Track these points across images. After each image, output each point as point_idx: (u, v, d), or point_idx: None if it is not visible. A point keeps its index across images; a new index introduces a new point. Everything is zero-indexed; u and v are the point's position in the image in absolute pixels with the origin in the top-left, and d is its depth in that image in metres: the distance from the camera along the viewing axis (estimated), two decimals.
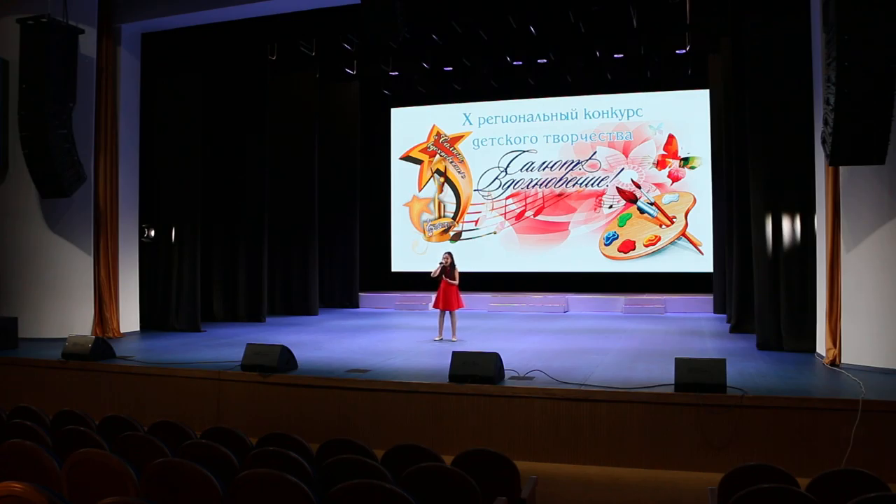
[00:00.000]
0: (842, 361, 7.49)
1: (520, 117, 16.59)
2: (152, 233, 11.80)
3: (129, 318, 11.23)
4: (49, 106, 9.33)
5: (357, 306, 16.35)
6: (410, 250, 17.32)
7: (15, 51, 9.59)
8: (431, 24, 12.18)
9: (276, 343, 7.61)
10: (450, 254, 10.40)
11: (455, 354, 6.84)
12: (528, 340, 10.17)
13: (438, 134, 17.21)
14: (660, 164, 15.58)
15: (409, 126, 17.49)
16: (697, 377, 6.09)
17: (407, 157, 17.49)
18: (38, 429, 4.22)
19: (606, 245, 15.85)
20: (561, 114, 16.29)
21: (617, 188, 15.81)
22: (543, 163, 16.34)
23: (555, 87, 15.70)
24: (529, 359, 8.13)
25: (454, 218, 16.99)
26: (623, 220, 15.75)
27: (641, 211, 15.65)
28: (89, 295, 10.55)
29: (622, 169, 15.79)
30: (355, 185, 16.38)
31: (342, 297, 16.35)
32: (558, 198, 16.19)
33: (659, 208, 15.53)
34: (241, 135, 13.36)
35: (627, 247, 15.70)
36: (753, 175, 9.39)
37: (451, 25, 12.17)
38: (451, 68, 14.78)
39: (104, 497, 2.61)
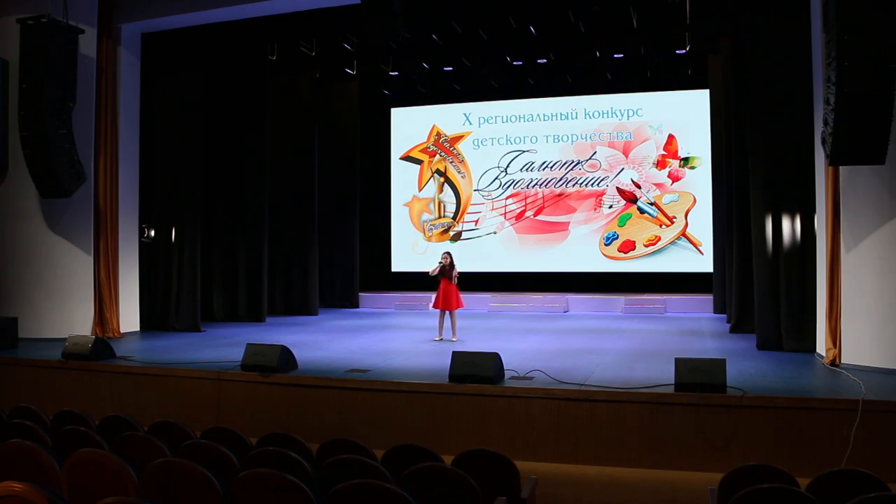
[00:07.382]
0: (842, 361, 7.49)
1: (520, 117, 16.58)
2: (152, 233, 11.80)
3: (129, 318, 11.23)
4: (49, 106, 9.32)
5: (357, 306, 16.34)
6: (410, 250, 17.32)
7: (15, 51, 9.59)
8: (431, 24, 12.18)
9: (276, 343, 7.61)
10: (448, 253, 10.40)
11: (455, 354, 6.84)
12: (527, 340, 10.17)
13: (438, 134, 17.21)
14: (660, 164, 15.58)
15: (409, 126, 17.49)
16: (697, 377, 6.09)
17: (407, 157, 17.49)
18: (38, 429, 4.22)
19: (606, 245, 15.85)
20: (561, 114, 16.29)
21: (617, 188, 15.81)
22: (543, 163, 16.34)
23: (555, 87, 15.70)
24: (529, 359, 8.14)
25: (454, 218, 16.98)
26: (623, 220, 15.75)
27: (641, 211, 15.65)
28: (89, 295, 10.55)
29: (622, 169, 15.79)
30: (355, 185, 16.37)
31: (342, 297, 16.34)
32: (558, 198, 16.19)
33: (659, 208, 15.53)
34: (242, 135, 13.36)
35: (627, 247, 15.70)
36: (753, 175, 9.38)
37: (451, 25, 12.17)
38: (451, 68, 14.76)
39: (104, 497, 2.60)
